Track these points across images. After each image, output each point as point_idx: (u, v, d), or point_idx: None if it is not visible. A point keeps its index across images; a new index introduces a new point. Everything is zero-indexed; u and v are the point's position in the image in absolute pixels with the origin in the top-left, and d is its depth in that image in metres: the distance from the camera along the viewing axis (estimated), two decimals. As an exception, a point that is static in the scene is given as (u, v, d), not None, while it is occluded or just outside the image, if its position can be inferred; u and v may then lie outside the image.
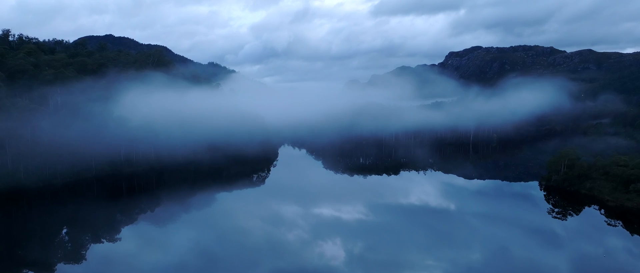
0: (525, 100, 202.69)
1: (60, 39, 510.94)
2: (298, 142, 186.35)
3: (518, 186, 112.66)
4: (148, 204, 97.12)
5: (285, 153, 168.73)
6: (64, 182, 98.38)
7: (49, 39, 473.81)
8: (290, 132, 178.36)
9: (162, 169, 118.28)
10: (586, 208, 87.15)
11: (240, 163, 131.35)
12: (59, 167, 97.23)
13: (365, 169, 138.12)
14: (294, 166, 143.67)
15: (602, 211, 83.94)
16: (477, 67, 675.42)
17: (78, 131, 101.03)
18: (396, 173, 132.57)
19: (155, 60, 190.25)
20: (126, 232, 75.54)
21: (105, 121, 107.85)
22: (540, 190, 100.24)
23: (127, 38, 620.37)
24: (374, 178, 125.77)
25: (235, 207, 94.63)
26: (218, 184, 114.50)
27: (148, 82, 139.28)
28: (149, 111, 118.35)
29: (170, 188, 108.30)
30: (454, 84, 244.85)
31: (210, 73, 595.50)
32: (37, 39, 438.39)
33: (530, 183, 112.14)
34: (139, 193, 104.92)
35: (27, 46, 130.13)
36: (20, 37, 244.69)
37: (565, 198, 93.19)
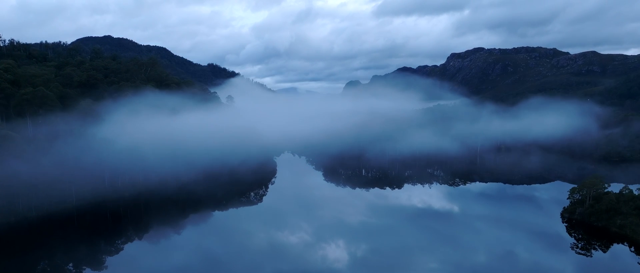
0: (547, 125, 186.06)
1: (58, 41, 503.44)
2: (297, 164, 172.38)
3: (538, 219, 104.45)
4: (135, 231, 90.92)
5: (283, 176, 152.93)
6: (39, 215, 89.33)
7: (45, 41, 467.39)
8: (290, 151, 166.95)
9: (151, 194, 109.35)
10: (615, 245, 79.23)
11: (235, 186, 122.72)
12: (34, 199, 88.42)
13: (369, 186, 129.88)
14: (292, 190, 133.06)
15: (632, 248, 75.95)
16: (479, 69, 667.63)
17: (57, 156, 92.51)
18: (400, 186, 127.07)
19: (148, 69, 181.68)
20: (111, 262, 71.81)
21: (88, 145, 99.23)
22: (562, 222, 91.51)
23: (126, 39, 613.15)
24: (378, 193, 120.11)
25: (228, 233, 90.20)
26: (211, 208, 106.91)
27: (138, 99, 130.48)
28: (136, 132, 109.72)
29: (160, 213, 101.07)
30: (464, 103, 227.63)
31: (209, 75, 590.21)
32: (28, 43, 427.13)
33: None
34: (125, 221, 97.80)
35: (5, 62, 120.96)
36: (12, 42, 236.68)
37: (592, 233, 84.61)
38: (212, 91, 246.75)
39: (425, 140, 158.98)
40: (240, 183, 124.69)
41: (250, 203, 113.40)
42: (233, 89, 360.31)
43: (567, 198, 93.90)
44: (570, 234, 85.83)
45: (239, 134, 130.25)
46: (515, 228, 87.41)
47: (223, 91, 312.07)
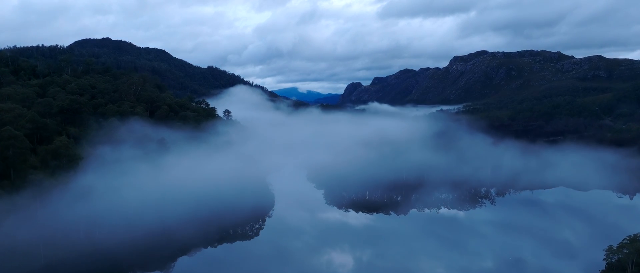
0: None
1: (55, 44, 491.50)
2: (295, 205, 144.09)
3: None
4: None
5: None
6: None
7: (42, 45, 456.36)
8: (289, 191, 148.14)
9: (134, 243, 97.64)
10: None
11: (226, 230, 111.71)
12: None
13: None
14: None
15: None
16: (482, 72, 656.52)
17: (21, 211, 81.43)
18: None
19: (138, 89, 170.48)
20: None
21: (61, 193, 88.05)
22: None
23: (125, 42, 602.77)
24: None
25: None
26: (201, 256, 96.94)
27: (123, 131, 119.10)
28: (118, 174, 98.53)
29: (143, 263, 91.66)
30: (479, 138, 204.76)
31: (208, 78, 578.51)
32: (24, 47, 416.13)
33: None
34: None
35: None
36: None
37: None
38: (208, 101, 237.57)
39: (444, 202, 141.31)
40: (231, 227, 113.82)
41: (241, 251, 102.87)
42: (232, 99, 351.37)
43: (603, 259, 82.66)
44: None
45: (235, 170, 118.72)
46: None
47: (222, 101, 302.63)
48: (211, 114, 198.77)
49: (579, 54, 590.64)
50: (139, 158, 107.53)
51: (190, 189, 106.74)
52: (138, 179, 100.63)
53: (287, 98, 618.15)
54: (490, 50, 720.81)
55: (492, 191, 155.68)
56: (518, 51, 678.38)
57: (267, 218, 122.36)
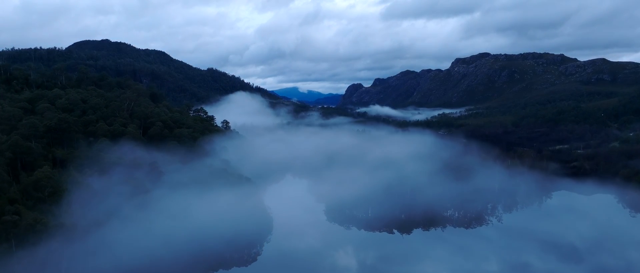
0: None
1: (53, 47, 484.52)
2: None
3: None
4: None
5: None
6: None
7: (40, 47, 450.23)
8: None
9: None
10: None
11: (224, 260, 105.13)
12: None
13: None
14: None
15: None
16: (484, 75, 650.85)
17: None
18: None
19: (131, 104, 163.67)
20: None
21: (39, 230, 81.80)
22: None
23: (124, 43, 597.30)
24: None
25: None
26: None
27: (113, 154, 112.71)
28: (104, 205, 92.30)
29: None
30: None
31: (208, 80, 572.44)
32: (22, 49, 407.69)
33: None
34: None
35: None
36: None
37: None
38: (207, 108, 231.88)
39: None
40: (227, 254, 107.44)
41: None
42: (231, 105, 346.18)
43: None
44: None
45: (231, 196, 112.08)
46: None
47: (221, 108, 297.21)
48: (208, 126, 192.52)
49: (583, 55, 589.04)
50: (128, 189, 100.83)
51: (182, 222, 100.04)
52: (126, 213, 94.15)
53: (288, 99, 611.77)
54: (493, 51, 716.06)
55: (498, 206, 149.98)
56: (521, 53, 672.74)
57: (265, 244, 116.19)
